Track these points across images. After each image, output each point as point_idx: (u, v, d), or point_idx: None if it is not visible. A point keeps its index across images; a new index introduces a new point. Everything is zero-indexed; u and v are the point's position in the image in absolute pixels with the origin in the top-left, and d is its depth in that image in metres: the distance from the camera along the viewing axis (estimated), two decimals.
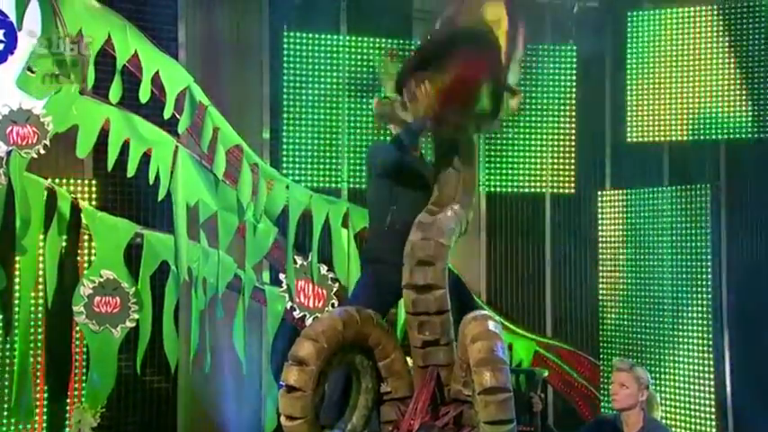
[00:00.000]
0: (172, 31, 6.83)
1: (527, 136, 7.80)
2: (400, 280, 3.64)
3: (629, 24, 7.72)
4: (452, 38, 3.37)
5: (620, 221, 7.84)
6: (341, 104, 7.23)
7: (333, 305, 6.39)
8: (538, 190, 7.82)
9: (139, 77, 6.12)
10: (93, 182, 6.27)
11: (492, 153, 7.66)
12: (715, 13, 7.57)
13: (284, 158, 7.12)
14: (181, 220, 6.15)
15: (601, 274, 7.88)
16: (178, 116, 6.23)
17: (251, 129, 7.01)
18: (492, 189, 7.68)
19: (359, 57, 7.25)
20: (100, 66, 6.09)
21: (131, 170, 6.06)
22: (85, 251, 6.18)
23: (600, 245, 7.92)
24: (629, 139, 7.74)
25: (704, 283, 7.33)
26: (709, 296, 7.30)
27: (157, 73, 6.14)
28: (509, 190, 7.74)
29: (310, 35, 7.11)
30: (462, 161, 3.81)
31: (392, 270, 3.68)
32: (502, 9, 3.25)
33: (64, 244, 5.95)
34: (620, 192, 7.87)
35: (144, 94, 6.13)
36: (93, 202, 6.17)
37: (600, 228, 7.91)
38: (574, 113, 7.78)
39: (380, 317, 3.72)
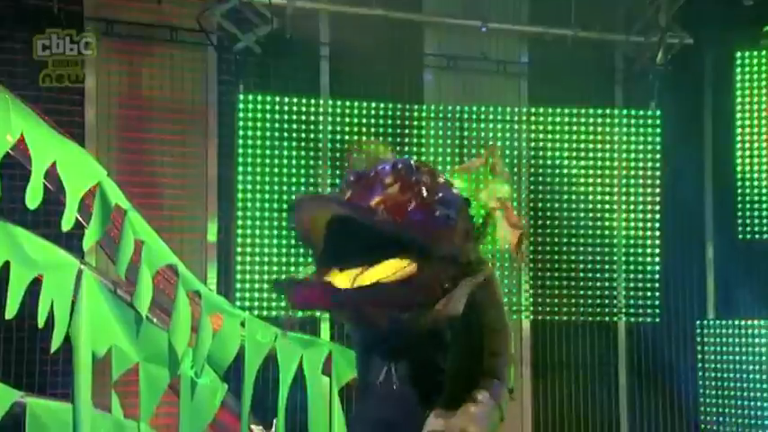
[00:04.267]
0: (78, 90, 6.64)
1: (583, 244, 7.57)
2: None
3: (738, 71, 7.48)
4: None
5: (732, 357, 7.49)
6: (321, 189, 7.02)
7: None
8: (607, 318, 7.59)
9: (27, 172, 5.81)
10: None
11: (536, 273, 7.52)
12: None
13: (239, 275, 6.85)
14: (84, 379, 5.56)
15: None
16: (85, 225, 5.78)
17: (190, 229, 6.83)
18: (538, 317, 7.55)
19: (345, 127, 7.16)
20: None
21: (11, 309, 5.43)
22: None
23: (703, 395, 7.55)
24: (741, 236, 7.42)
25: None
26: None
27: (53, 165, 5.66)
28: (564, 318, 7.58)
29: (277, 98, 7.02)
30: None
31: None
32: None
33: None
34: (731, 323, 7.49)
35: (33, 197, 5.62)
36: None
37: (702, 366, 7.56)
38: (658, 205, 7.51)
39: None
